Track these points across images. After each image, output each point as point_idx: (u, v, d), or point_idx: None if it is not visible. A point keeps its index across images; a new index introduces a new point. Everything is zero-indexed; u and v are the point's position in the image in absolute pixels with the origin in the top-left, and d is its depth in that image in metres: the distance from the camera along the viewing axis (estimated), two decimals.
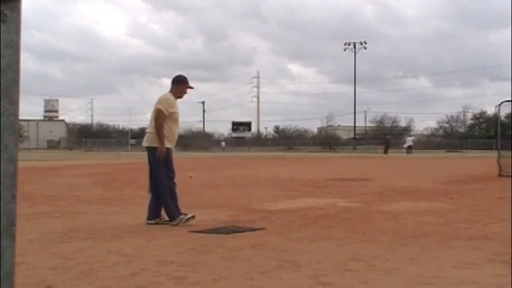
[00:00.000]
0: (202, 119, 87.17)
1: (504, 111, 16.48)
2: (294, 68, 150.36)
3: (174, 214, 6.17)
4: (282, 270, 4.00)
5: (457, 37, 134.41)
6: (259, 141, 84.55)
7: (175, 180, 6.41)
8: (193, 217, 6.19)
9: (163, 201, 6.22)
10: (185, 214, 6.23)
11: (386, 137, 55.60)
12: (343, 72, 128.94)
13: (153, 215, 6.30)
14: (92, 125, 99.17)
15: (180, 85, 6.45)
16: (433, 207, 7.92)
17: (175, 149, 6.59)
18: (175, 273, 3.89)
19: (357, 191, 10.75)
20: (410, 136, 55.43)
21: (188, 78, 6.56)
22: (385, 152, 46.53)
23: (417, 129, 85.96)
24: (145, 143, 6.40)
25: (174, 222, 6.12)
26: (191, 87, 6.58)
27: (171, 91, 6.43)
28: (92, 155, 44.05)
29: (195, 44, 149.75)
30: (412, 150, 46.54)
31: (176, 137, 6.46)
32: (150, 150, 6.29)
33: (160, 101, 6.31)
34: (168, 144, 6.26)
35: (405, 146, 49.01)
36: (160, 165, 6.22)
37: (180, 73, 6.68)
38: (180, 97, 6.50)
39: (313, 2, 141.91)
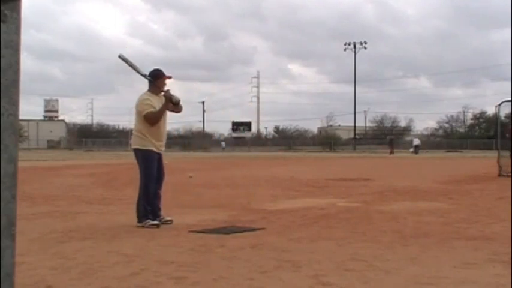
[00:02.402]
0: (202, 119, 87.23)
1: (504, 111, 16.41)
2: (294, 68, 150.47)
3: (142, 216, 6.14)
4: (282, 270, 4.00)
5: (457, 37, 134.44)
6: (259, 141, 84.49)
7: (163, 183, 6.42)
8: (157, 225, 6.03)
9: (139, 200, 6.22)
10: (158, 219, 6.17)
11: (389, 137, 55.79)
12: (343, 72, 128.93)
13: (158, 214, 6.29)
14: (92, 125, 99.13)
15: (157, 80, 6.27)
16: (433, 207, 7.92)
17: (165, 148, 6.52)
18: (175, 273, 3.89)
19: (357, 191, 10.75)
20: (416, 137, 56.35)
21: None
22: (391, 152, 46.52)
23: (417, 129, 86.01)
24: (132, 145, 6.51)
25: (139, 224, 6.09)
26: (169, 77, 6.41)
27: (149, 89, 6.32)
28: (92, 155, 44.04)
29: (195, 44, 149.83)
30: (419, 151, 47.02)
31: (164, 136, 6.39)
32: (135, 151, 6.35)
33: (140, 105, 6.23)
34: (154, 148, 6.23)
35: (413, 145, 49.72)
36: (142, 166, 6.22)
37: (156, 67, 6.49)
38: (162, 91, 6.36)
39: (313, 2, 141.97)
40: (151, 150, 6.22)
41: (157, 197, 6.32)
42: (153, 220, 6.09)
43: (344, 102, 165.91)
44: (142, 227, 6.02)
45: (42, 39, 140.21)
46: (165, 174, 6.48)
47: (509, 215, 6.64)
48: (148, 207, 6.15)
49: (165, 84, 6.33)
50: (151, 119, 6.16)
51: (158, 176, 6.33)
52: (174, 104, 6.27)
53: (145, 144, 6.22)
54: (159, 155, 6.33)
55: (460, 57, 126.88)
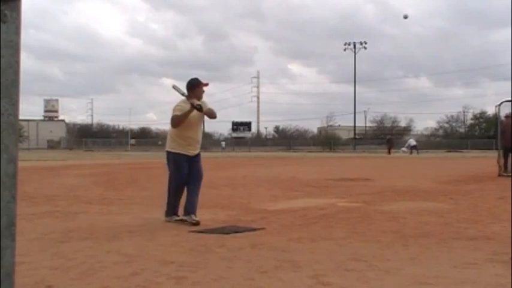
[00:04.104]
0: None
1: (504, 111, 16.37)
2: (294, 67, 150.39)
3: (169, 211, 6.51)
4: (282, 270, 4.00)
5: (457, 37, 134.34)
6: (259, 141, 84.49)
7: (201, 182, 6.64)
8: (182, 220, 6.30)
9: (169, 197, 6.57)
10: (178, 216, 6.46)
11: (388, 137, 55.87)
12: (343, 72, 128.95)
13: (189, 210, 6.41)
14: (92, 125, 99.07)
15: (195, 89, 6.59)
16: (433, 207, 7.92)
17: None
18: (175, 273, 3.89)
19: (357, 191, 10.75)
20: (411, 137, 56.62)
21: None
22: (389, 152, 46.70)
23: (417, 129, 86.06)
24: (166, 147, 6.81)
25: (166, 218, 6.48)
26: (206, 85, 6.73)
27: (188, 97, 6.53)
28: (92, 155, 44.04)
29: (195, 44, 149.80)
30: (419, 151, 47.25)
31: (196, 140, 6.58)
32: (166, 153, 6.64)
33: (173, 110, 6.51)
34: (183, 151, 6.45)
35: (405, 147, 49.81)
36: (172, 167, 6.53)
37: (193, 77, 6.78)
38: (199, 99, 6.59)
39: (313, 2, 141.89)
40: (180, 153, 6.47)
41: (192, 194, 6.50)
42: (178, 217, 6.41)
43: (344, 102, 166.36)
44: (168, 221, 6.36)
45: (42, 39, 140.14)
46: (202, 175, 6.67)
47: (509, 215, 6.64)
48: (176, 204, 6.50)
49: (203, 91, 6.66)
50: (173, 121, 6.44)
51: (196, 176, 6.55)
52: (197, 109, 6.41)
53: (174, 147, 6.52)
54: (193, 157, 6.51)
55: (460, 57, 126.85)
